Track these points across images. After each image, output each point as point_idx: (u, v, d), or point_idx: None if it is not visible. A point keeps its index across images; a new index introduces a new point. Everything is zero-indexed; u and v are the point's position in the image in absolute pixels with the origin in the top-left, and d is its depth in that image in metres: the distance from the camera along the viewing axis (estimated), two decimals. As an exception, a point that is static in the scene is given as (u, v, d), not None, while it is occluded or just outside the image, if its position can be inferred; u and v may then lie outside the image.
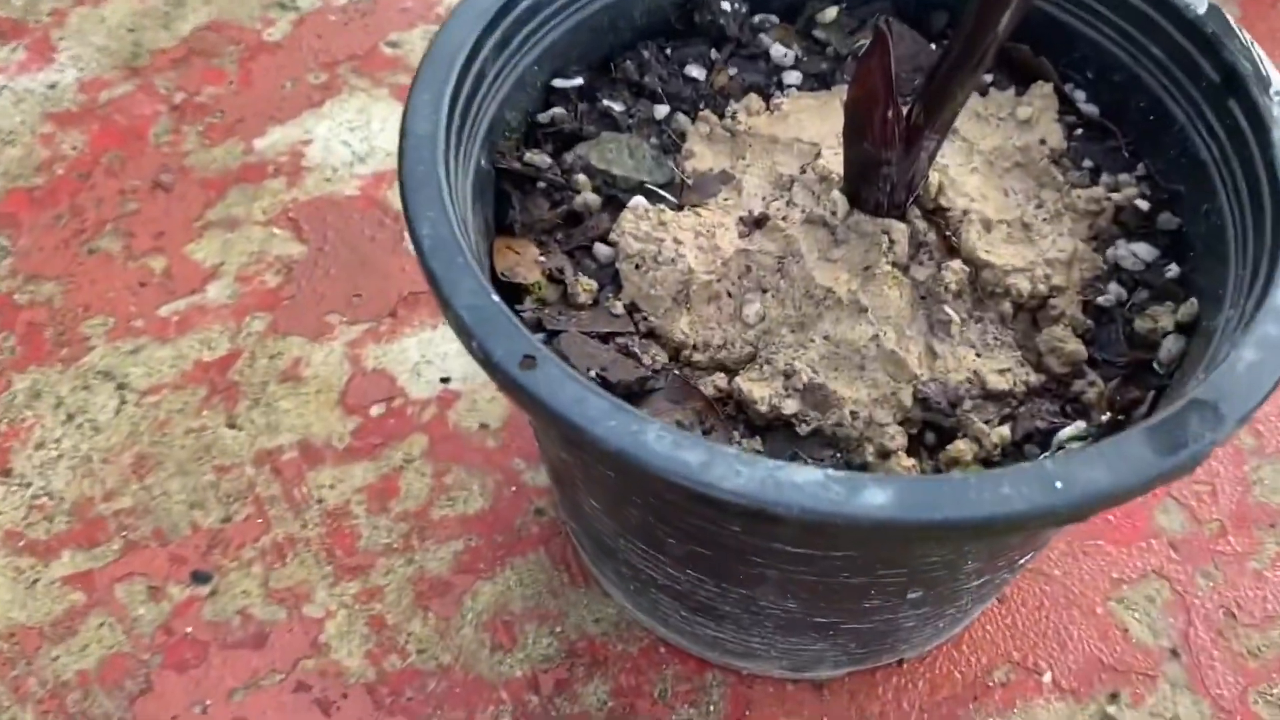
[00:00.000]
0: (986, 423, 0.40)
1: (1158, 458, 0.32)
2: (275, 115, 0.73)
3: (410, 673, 0.52)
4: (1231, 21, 0.42)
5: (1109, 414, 0.40)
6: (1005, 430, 0.40)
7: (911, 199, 0.42)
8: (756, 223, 0.44)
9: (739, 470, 0.31)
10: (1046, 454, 0.39)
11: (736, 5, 0.51)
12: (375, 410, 0.60)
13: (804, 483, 0.31)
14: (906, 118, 0.39)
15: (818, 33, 0.51)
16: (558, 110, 0.47)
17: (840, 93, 0.49)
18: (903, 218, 0.42)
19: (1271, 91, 0.40)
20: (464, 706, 0.51)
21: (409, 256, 0.65)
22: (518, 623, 0.53)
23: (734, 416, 0.41)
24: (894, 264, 0.41)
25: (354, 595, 0.54)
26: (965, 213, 0.43)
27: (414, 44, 0.77)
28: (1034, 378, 0.42)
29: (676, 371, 0.41)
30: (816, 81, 0.50)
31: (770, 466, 0.31)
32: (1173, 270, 0.43)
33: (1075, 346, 0.42)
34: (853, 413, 0.40)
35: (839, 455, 0.40)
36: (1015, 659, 0.53)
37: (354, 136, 0.72)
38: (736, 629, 0.46)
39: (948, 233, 0.43)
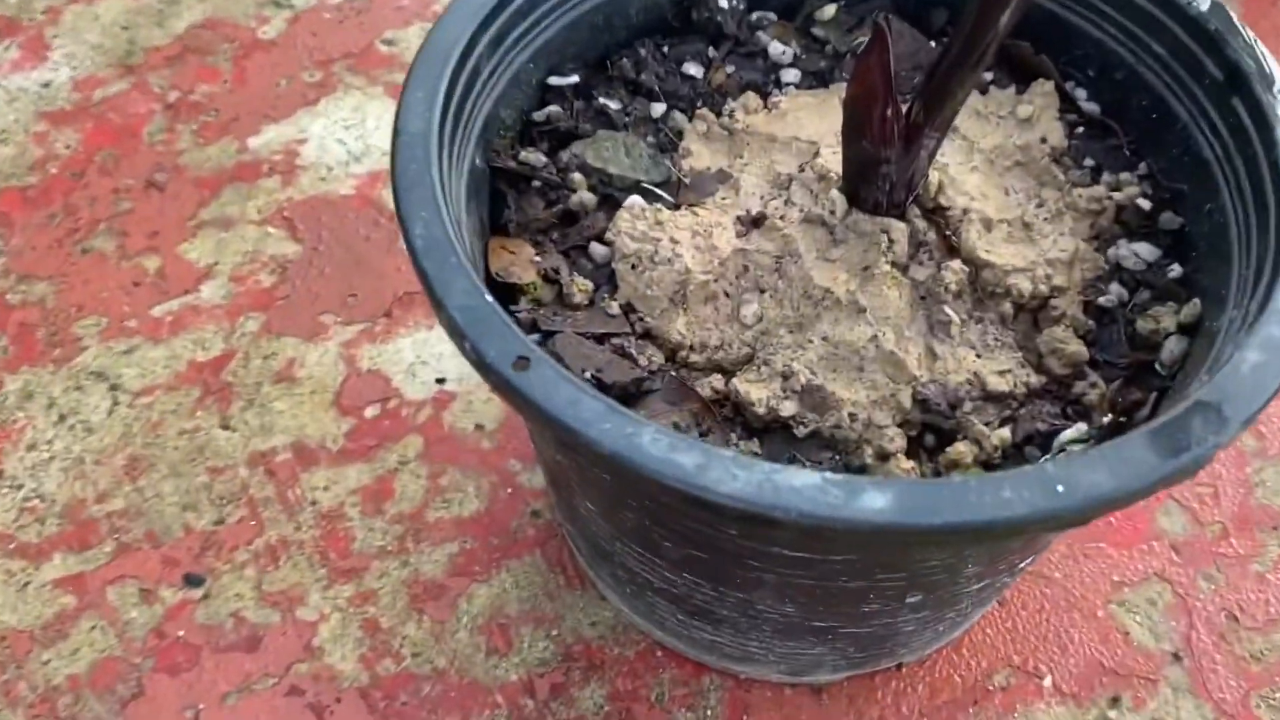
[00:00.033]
0: (987, 425, 0.40)
1: (1160, 461, 0.32)
2: (270, 114, 0.72)
3: (404, 677, 0.51)
4: (1234, 18, 0.42)
5: (1110, 416, 0.39)
6: (1006, 432, 0.39)
7: (911, 198, 0.41)
8: (754, 222, 0.44)
9: (735, 474, 0.31)
10: (1047, 456, 0.39)
11: (734, 2, 0.50)
12: (370, 411, 0.59)
13: (802, 486, 0.30)
14: (906, 116, 0.38)
15: (816, 30, 0.51)
16: (553, 108, 0.47)
17: (839, 91, 0.48)
18: (902, 217, 0.42)
19: (1275, 89, 0.40)
20: (459, 711, 0.50)
21: (404, 256, 0.64)
22: (513, 626, 0.53)
23: (731, 418, 0.41)
24: (893, 264, 0.41)
25: (348, 598, 0.53)
26: (965, 212, 0.43)
27: (410, 42, 0.77)
28: (1035, 379, 0.41)
29: (673, 373, 0.41)
30: (815, 79, 0.50)
31: (767, 470, 0.31)
32: (1175, 270, 0.43)
33: (1076, 347, 0.41)
34: (851, 414, 0.39)
35: (837, 458, 0.39)
36: (1015, 663, 0.52)
37: (349, 135, 0.71)
38: (734, 633, 0.46)
39: (947, 232, 0.43)
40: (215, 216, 0.67)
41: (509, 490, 0.57)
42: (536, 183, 0.45)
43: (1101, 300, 0.42)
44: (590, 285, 0.43)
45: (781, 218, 0.43)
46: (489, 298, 0.34)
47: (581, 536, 0.50)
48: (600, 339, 0.41)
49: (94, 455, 0.58)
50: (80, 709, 0.50)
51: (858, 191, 0.41)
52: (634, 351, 0.41)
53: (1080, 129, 0.47)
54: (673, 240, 0.43)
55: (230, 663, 0.52)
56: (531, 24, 0.45)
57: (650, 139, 0.47)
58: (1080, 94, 0.48)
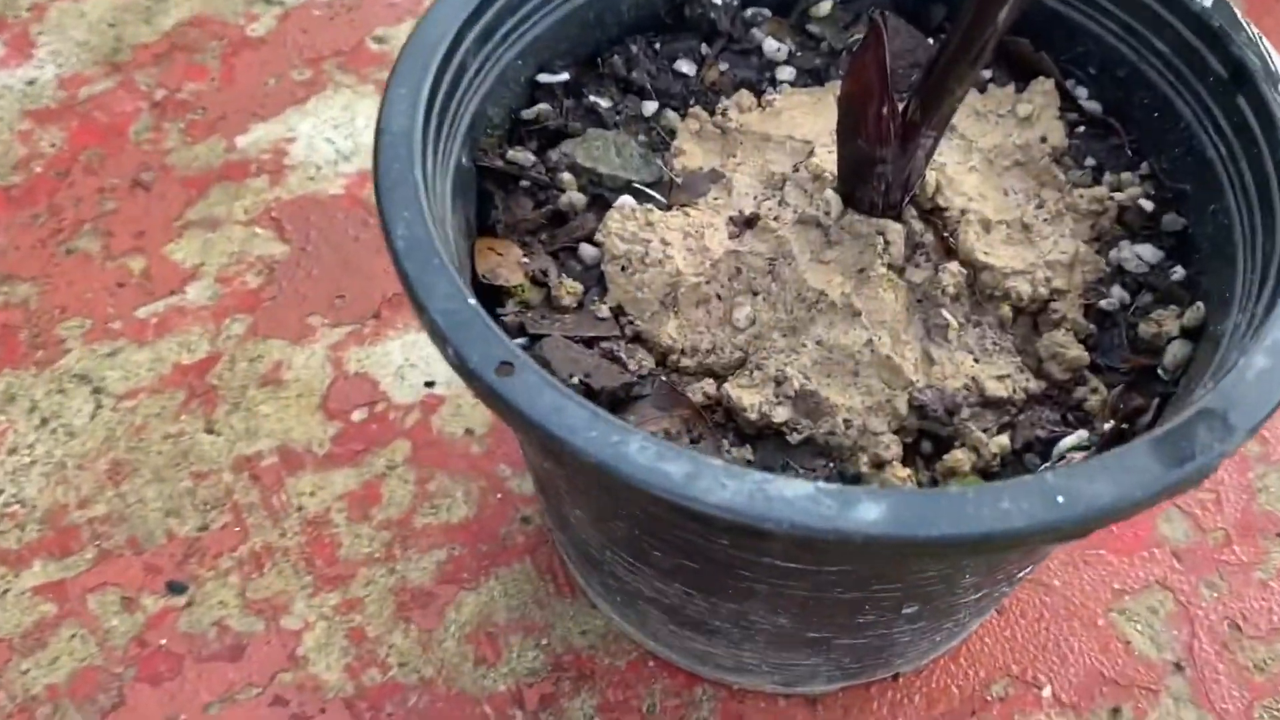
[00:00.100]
0: (985, 431, 0.39)
1: (1164, 470, 0.31)
2: (258, 112, 0.71)
3: (391, 687, 0.50)
4: (1239, 15, 0.41)
5: (1112, 422, 0.38)
6: (1004, 439, 0.38)
7: (907, 199, 0.41)
8: (747, 223, 0.43)
9: (725, 483, 0.30)
10: (1047, 464, 0.38)
11: (728, -1, 0.49)
12: (357, 415, 0.58)
13: (794, 497, 0.29)
14: (902, 114, 0.37)
15: (812, 27, 0.50)
16: (543, 106, 0.46)
17: (835, 89, 0.47)
18: (898, 218, 0.41)
19: (1281, 87, 0.39)
20: (446, 721, 0.49)
21: (394, 257, 0.64)
22: (502, 635, 0.52)
23: (723, 424, 0.40)
24: (889, 266, 0.40)
25: (334, 606, 0.52)
26: (963, 213, 0.42)
27: (401, 39, 0.75)
28: (1034, 384, 0.40)
29: (663, 377, 0.40)
30: (810, 77, 0.49)
31: (758, 479, 0.30)
32: (1178, 273, 0.42)
33: (1077, 352, 0.40)
34: (846, 421, 0.38)
35: (832, 465, 0.38)
36: (1014, 672, 0.51)
37: (338, 134, 0.70)
38: (727, 643, 0.45)
39: (945, 234, 0.42)
40: (202, 217, 0.66)
41: (498, 496, 0.56)
42: (525, 182, 0.44)
43: (1103, 303, 0.42)
44: (579, 287, 0.42)
45: (775, 219, 0.42)
46: (472, 301, 0.33)
47: (571, 544, 0.49)
48: (589, 343, 0.40)
49: (76, 460, 0.57)
50: (59, 719, 0.49)
51: (853, 192, 0.40)
52: (623, 355, 0.40)
53: (1081, 128, 0.46)
54: (664, 241, 0.42)
55: (213, 672, 0.51)
56: (520, 19, 0.44)
57: (641, 138, 0.46)
58: (1081, 92, 0.47)
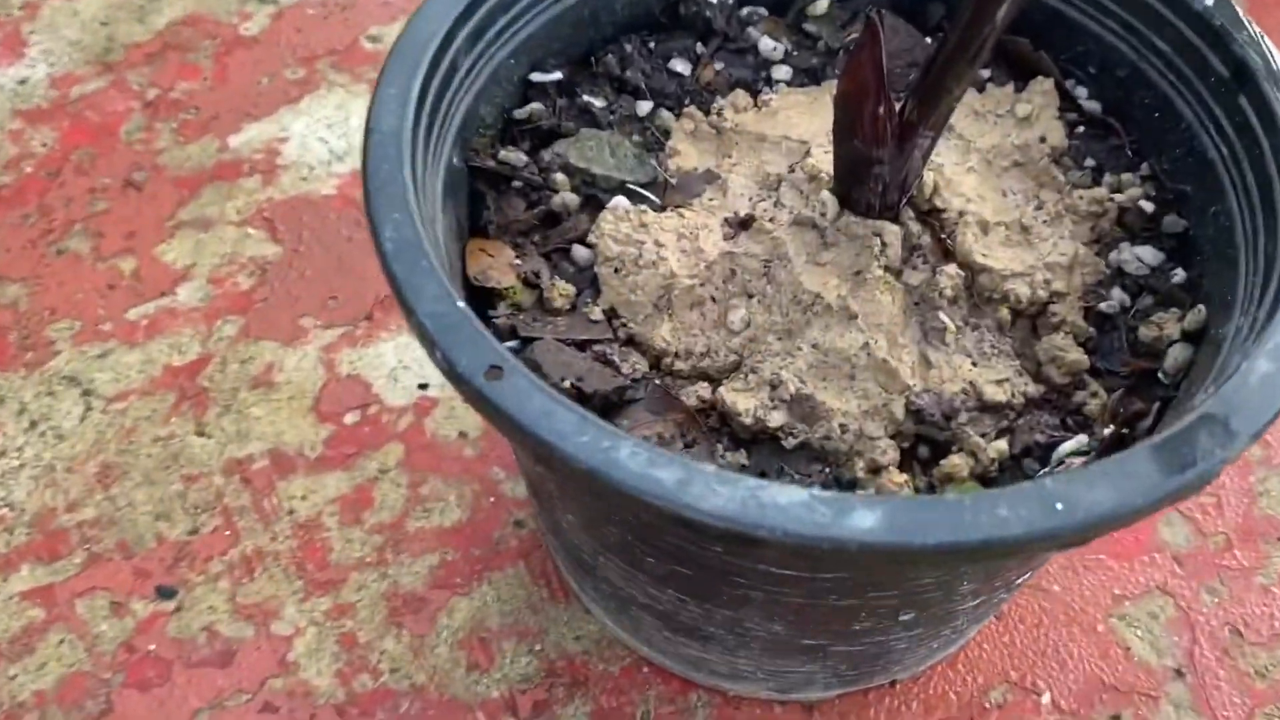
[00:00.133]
0: (983, 436, 0.38)
1: (1165, 477, 0.30)
2: (251, 112, 0.71)
3: (382, 693, 0.50)
4: (1241, 13, 0.41)
5: (1112, 427, 0.38)
6: (1003, 444, 0.38)
7: (905, 200, 0.40)
8: (742, 224, 0.42)
9: (717, 490, 0.29)
10: (1046, 470, 0.37)
11: (723, -3, 0.49)
12: (350, 418, 0.58)
13: (787, 504, 0.29)
14: (899, 114, 0.37)
15: (809, 26, 0.49)
16: (535, 106, 0.45)
17: (832, 88, 0.47)
18: (895, 219, 0.40)
19: (1284, 87, 0.38)
20: (438, 728, 0.49)
21: (387, 258, 0.63)
22: (495, 640, 0.51)
23: (717, 429, 0.39)
24: (886, 268, 0.39)
25: (325, 611, 0.52)
26: (961, 214, 0.41)
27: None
28: (1033, 388, 0.40)
29: (657, 381, 0.39)
30: (807, 77, 0.48)
31: (751, 486, 0.29)
32: (1179, 275, 0.41)
33: (1076, 355, 0.40)
34: (842, 425, 0.38)
35: (827, 470, 0.38)
36: (1013, 679, 0.51)
37: (332, 134, 0.70)
38: (722, 650, 0.44)
39: (943, 235, 0.41)
40: (194, 217, 0.66)
41: (492, 499, 0.55)
42: (517, 183, 0.44)
43: (1102, 306, 0.41)
44: (572, 290, 0.41)
45: (771, 220, 0.41)
46: (461, 303, 0.33)
47: (564, 549, 0.48)
48: (581, 346, 0.40)
49: (65, 463, 0.56)
50: (46, 726, 0.49)
51: (849, 193, 0.40)
52: (616, 359, 0.40)
53: (1081, 128, 0.46)
54: (658, 243, 0.41)
55: (202, 678, 0.50)
56: (513, 18, 0.44)
57: (636, 138, 0.46)
58: (1081, 92, 0.46)
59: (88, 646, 0.51)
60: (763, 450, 0.39)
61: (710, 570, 0.37)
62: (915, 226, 0.40)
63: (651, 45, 0.48)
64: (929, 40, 0.48)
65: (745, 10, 0.49)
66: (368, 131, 0.37)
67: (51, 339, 0.60)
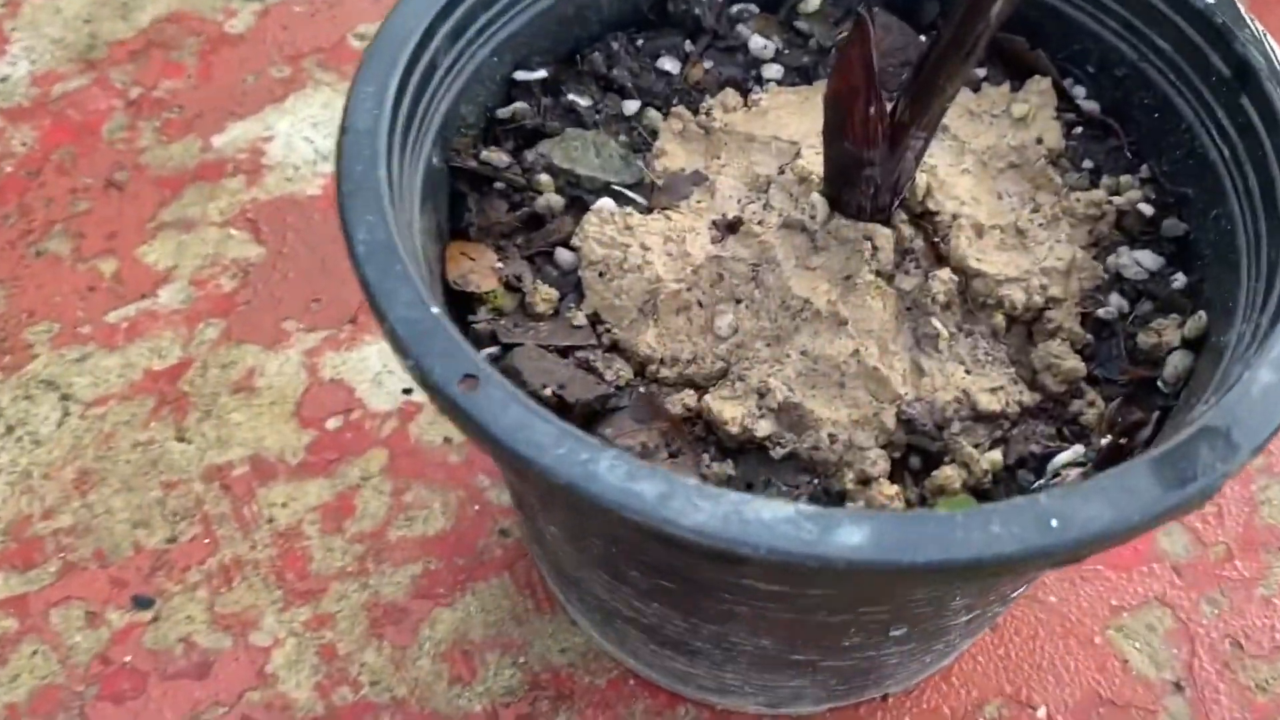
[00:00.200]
0: (976, 446, 0.37)
1: (1163, 492, 0.29)
2: (235, 111, 0.69)
3: (362, 706, 0.48)
4: (1243, 11, 0.39)
5: (1109, 437, 0.37)
6: (997, 455, 0.37)
7: (897, 202, 0.39)
8: (730, 227, 0.41)
9: (699, 505, 0.28)
10: (1041, 481, 0.36)
11: (713, -6, 0.48)
12: (332, 423, 0.57)
13: (772, 520, 0.28)
14: (891, 114, 0.36)
15: (800, 24, 0.48)
16: (519, 105, 0.44)
17: (823, 88, 0.45)
18: (887, 222, 0.39)
19: (1287, 87, 0.37)
20: (419, 742, 0.48)
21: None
22: (478, 653, 0.50)
23: (703, 438, 0.38)
24: (877, 273, 0.38)
25: (304, 622, 0.51)
26: (955, 217, 0.40)
27: (384, 37, 0.74)
28: (1028, 397, 0.38)
29: (642, 389, 0.38)
30: (798, 75, 0.47)
31: (735, 500, 0.28)
32: (1179, 280, 0.40)
33: (1073, 363, 0.38)
34: (831, 435, 0.37)
35: (816, 481, 0.37)
36: (1008, 692, 0.50)
37: (317, 133, 0.68)
38: (709, 664, 0.43)
39: (936, 239, 0.40)
40: (176, 218, 0.64)
41: (477, 507, 0.54)
42: (499, 184, 0.42)
43: (1100, 312, 0.40)
44: (555, 294, 0.40)
45: (759, 223, 0.40)
46: (436, 309, 0.32)
47: (548, 560, 0.47)
48: (564, 352, 0.39)
49: (42, 469, 0.55)
50: (18, 740, 0.47)
51: (840, 195, 0.39)
52: (600, 365, 0.38)
53: (1078, 129, 0.44)
54: (644, 246, 0.40)
55: (179, 690, 0.49)
56: (495, 14, 0.43)
57: (622, 138, 0.44)
58: (1079, 91, 0.45)
59: (61, 658, 0.50)
60: (750, 460, 0.38)
61: (695, 585, 0.36)
62: (907, 230, 0.39)
63: (639, 43, 0.47)
64: (923, 38, 0.47)
65: (735, 7, 0.48)
66: (342, 130, 0.36)
67: (29, 342, 0.59)
